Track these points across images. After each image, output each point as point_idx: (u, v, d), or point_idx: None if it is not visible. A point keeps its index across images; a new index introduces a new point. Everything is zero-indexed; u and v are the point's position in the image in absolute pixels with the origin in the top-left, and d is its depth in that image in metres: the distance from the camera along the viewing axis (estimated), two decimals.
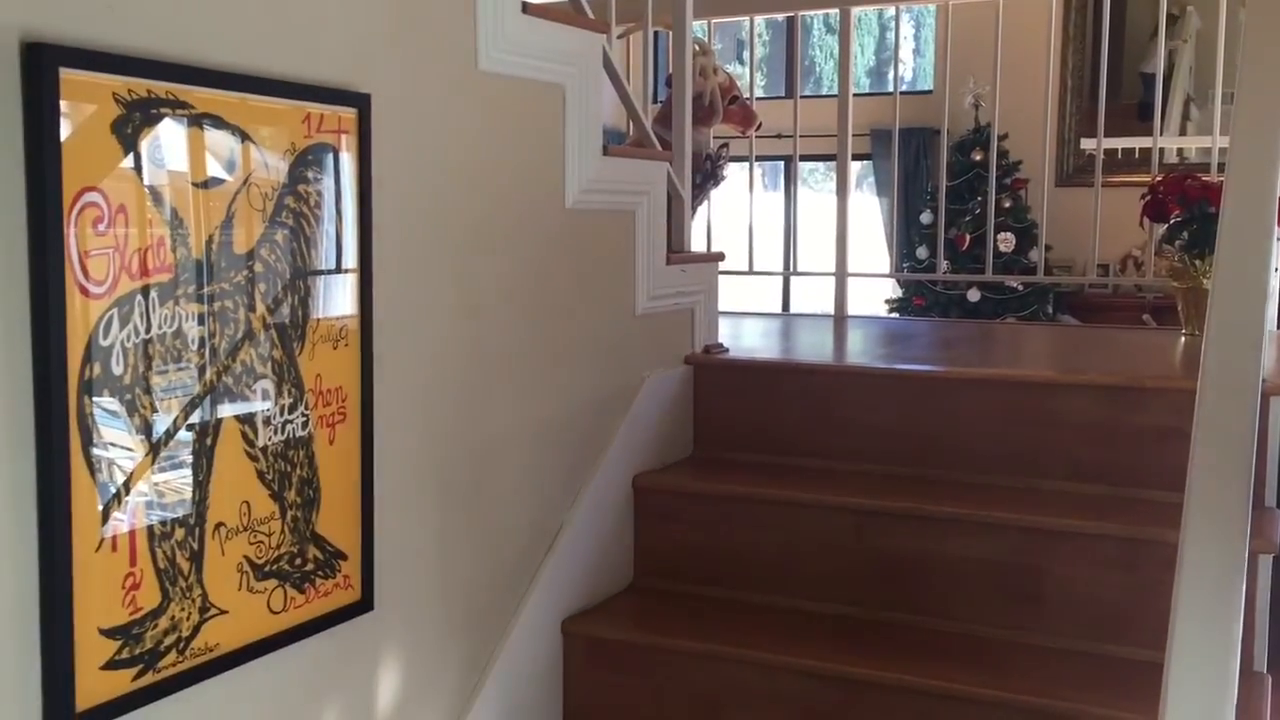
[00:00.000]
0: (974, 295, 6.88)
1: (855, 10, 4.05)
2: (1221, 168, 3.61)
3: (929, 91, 7.89)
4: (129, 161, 1.51)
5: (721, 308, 3.22)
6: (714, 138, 3.89)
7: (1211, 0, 4.18)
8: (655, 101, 3.86)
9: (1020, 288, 6.78)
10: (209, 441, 1.66)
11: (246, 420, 1.72)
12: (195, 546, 1.65)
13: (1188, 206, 3.33)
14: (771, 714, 2.36)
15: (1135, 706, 2.08)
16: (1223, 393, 1.34)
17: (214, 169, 1.64)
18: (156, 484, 1.58)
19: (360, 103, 1.89)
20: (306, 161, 1.79)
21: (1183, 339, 3.41)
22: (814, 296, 7.10)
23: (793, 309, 7.75)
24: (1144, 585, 2.31)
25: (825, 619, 2.55)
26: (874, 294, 7.48)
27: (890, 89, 4.53)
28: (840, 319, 4.11)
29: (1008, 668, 2.30)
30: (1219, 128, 4.02)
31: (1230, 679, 1.25)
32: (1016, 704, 2.17)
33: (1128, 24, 6.72)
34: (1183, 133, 7.13)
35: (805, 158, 4.49)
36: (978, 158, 6.93)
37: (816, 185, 8.96)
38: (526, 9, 2.31)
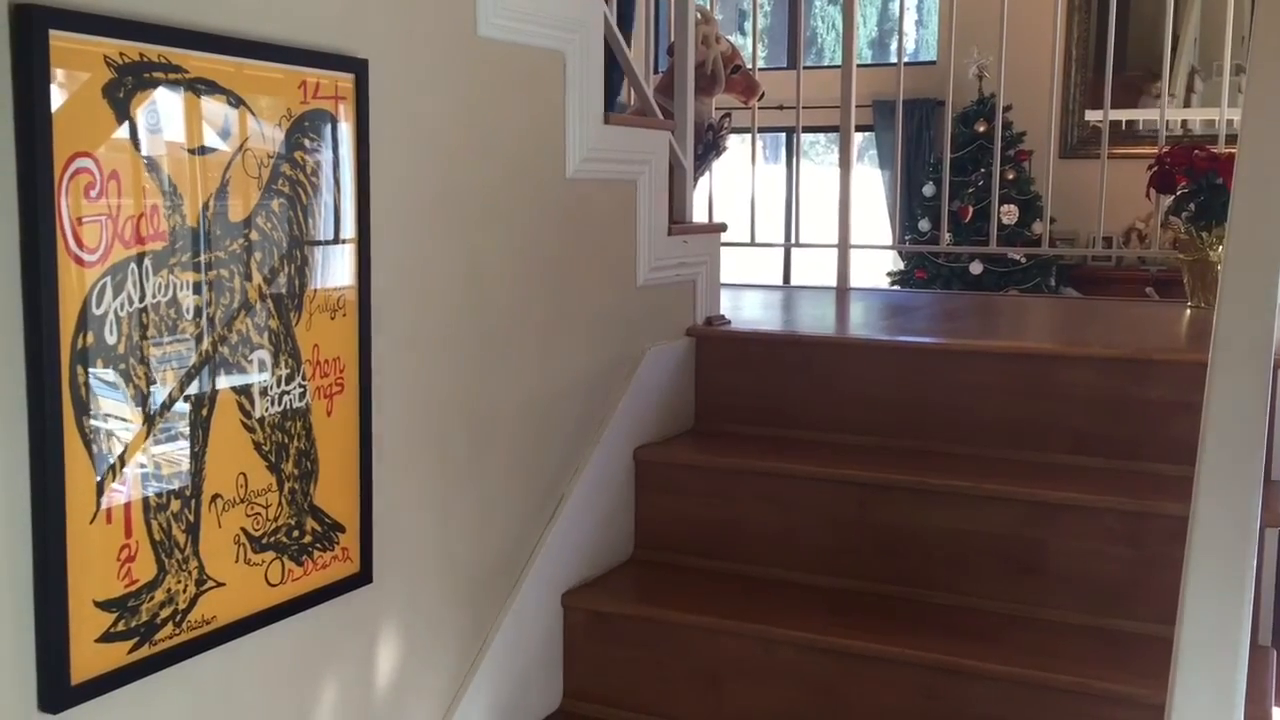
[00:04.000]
0: (976, 268, 6.85)
1: None
2: (1229, 140, 3.58)
3: (932, 62, 7.83)
4: (121, 127, 1.48)
5: (723, 279, 3.19)
6: (716, 108, 3.85)
7: None
8: (657, 71, 3.83)
9: (1023, 260, 6.75)
10: (205, 412, 1.64)
11: (243, 391, 1.70)
12: (191, 518, 1.63)
13: (1195, 178, 3.30)
14: (772, 687, 2.35)
15: (1139, 681, 2.07)
16: (1236, 364, 1.32)
17: (208, 135, 1.61)
18: (152, 455, 1.56)
19: (358, 68, 1.86)
20: (303, 128, 1.76)
21: (1188, 311, 3.39)
22: (815, 269, 7.07)
23: (794, 281, 7.72)
24: (1148, 559, 2.30)
25: (827, 592, 2.54)
26: (876, 267, 7.45)
27: (893, 60, 4.49)
28: (842, 291, 4.09)
29: (1010, 641, 2.29)
30: (1226, 99, 3.99)
31: (1241, 653, 1.23)
32: (1019, 678, 2.16)
33: None
34: (1187, 105, 7.08)
35: (807, 129, 4.45)
36: (981, 129, 6.88)
37: (817, 158, 8.91)
38: None
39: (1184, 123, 7.03)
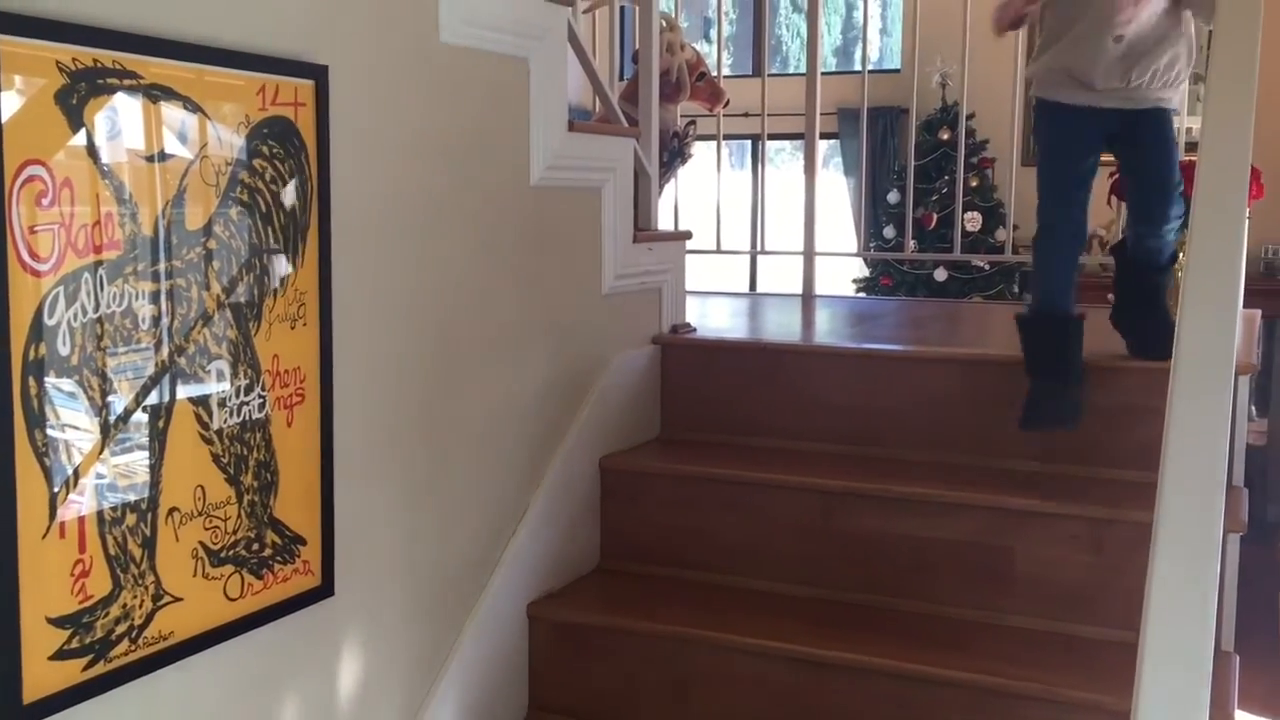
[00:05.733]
0: (941, 275, 6.89)
1: None
2: (1189, 147, 3.61)
3: (896, 70, 7.87)
4: (74, 134, 1.45)
5: (689, 287, 3.18)
6: (681, 115, 3.85)
7: None
8: (622, 78, 3.82)
9: (987, 267, 6.79)
10: (161, 424, 1.61)
11: (201, 402, 1.67)
12: (147, 532, 1.60)
13: None
14: (740, 696, 2.34)
15: (1104, 687, 2.07)
16: (1198, 370, 1.32)
17: (164, 142, 1.59)
18: (106, 469, 1.53)
19: (318, 74, 1.84)
20: (262, 135, 1.74)
21: None
22: (781, 276, 7.09)
23: (760, 289, 7.73)
24: (1112, 565, 2.31)
25: (794, 601, 2.53)
26: (841, 274, 7.47)
27: (857, 68, 4.51)
28: (808, 298, 4.09)
29: (977, 648, 2.29)
30: (1186, 108, 4.03)
31: (1205, 658, 1.23)
32: (985, 685, 2.16)
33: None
34: None
35: (772, 136, 4.46)
36: (945, 137, 6.91)
37: (782, 165, 8.93)
38: None
39: None
